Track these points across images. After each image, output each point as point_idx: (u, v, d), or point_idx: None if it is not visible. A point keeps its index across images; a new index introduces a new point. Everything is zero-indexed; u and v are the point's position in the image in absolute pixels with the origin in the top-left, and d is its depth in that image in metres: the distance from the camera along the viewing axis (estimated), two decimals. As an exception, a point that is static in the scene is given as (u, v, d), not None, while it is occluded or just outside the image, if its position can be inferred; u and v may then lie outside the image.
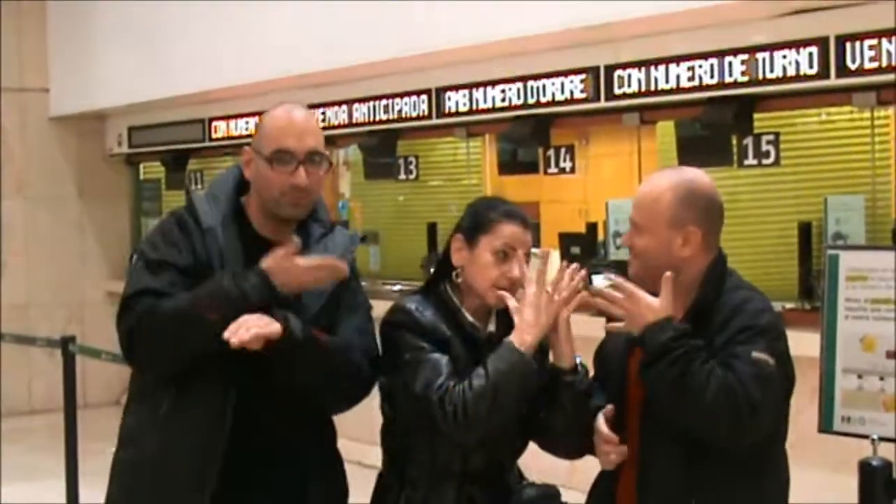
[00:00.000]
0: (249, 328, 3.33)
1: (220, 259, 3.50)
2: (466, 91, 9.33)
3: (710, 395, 3.25)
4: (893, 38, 6.69)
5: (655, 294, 3.48)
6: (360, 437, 5.97)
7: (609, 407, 3.55)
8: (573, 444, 3.61)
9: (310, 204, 3.61)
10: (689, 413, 3.32)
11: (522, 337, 3.42)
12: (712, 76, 7.60)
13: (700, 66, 7.67)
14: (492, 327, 3.59)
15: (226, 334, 3.31)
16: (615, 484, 3.60)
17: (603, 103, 8.35)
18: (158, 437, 3.53)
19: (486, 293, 3.52)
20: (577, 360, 3.54)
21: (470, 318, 3.56)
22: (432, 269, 3.74)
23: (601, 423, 3.53)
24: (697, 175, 3.62)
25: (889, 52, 6.72)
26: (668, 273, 3.39)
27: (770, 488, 3.54)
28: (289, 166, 3.49)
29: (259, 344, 3.33)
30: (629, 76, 8.12)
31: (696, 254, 3.52)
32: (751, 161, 7.67)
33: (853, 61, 6.89)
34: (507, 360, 3.38)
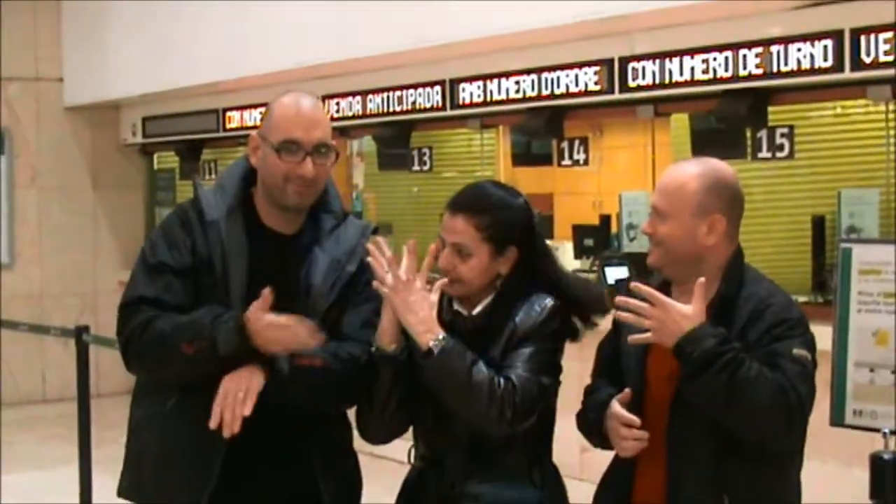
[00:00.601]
0: (234, 412, 3.35)
1: (222, 252, 3.49)
2: (480, 82, 9.32)
3: (765, 398, 3.24)
4: (908, 31, 6.68)
5: (667, 286, 3.49)
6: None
7: (626, 391, 3.52)
8: (480, 422, 3.47)
9: (314, 194, 3.60)
10: (742, 418, 3.30)
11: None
12: (727, 69, 7.59)
13: (714, 59, 7.65)
14: (478, 309, 3.56)
15: (211, 425, 3.35)
16: (632, 480, 3.57)
17: (617, 95, 8.34)
18: (162, 432, 3.54)
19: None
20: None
21: (455, 305, 3.57)
22: None
23: (617, 407, 3.50)
24: (723, 165, 3.61)
25: (904, 46, 6.70)
26: (702, 279, 3.35)
27: (794, 479, 3.55)
28: (296, 157, 3.49)
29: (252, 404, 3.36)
30: (643, 68, 8.10)
31: (720, 243, 3.50)
32: (765, 154, 7.67)
33: (868, 54, 6.87)
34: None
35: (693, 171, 3.54)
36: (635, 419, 3.46)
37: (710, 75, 7.70)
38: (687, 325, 3.32)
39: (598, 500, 3.71)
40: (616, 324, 3.70)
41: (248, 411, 3.35)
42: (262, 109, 11.26)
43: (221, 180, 3.65)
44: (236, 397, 3.35)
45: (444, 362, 3.37)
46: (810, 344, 3.40)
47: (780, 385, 3.25)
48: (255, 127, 11.00)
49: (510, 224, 3.58)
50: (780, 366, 3.29)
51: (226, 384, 3.38)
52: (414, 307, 3.40)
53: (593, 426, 3.59)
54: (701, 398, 3.34)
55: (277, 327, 3.36)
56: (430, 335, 3.38)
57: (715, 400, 3.31)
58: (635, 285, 3.42)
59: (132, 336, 3.51)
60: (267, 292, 3.34)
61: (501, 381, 3.38)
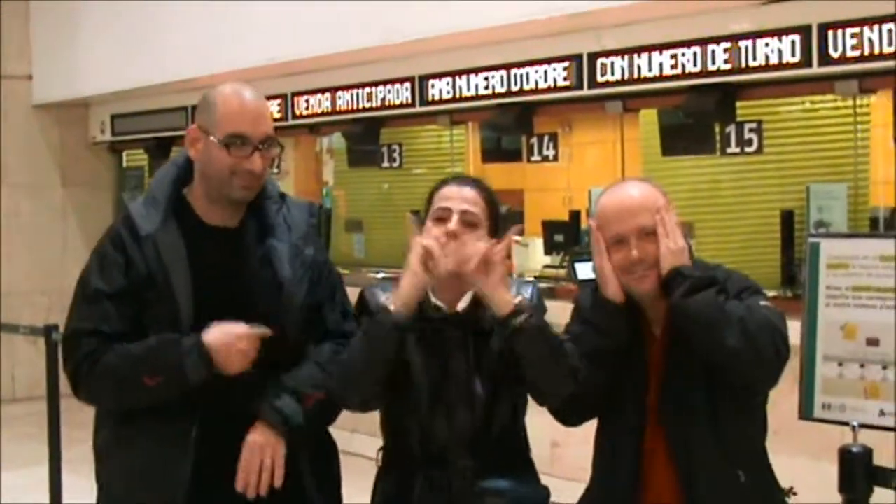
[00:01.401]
0: (261, 478, 3.41)
1: (161, 264, 3.44)
2: (450, 79, 9.33)
3: (755, 322, 3.31)
4: (875, 27, 6.71)
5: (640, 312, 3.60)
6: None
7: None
8: (558, 387, 3.49)
9: (259, 186, 3.56)
10: (731, 343, 3.32)
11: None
12: (695, 64, 7.62)
13: (683, 55, 7.68)
14: (462, 305, 3.53)
15: (239, 487, 3.41)
16: (639, 470, 3.57)
17: (586, 91, 8.36)
18: (128, 456, 3.52)
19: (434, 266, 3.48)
20: (518, 299, 3.44)
21: (433, 299, 3.52)
22: None
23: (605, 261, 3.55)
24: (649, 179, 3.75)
25: (871, 41, 6.74)
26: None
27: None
28: (244, 151, 3.45)
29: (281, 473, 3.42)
30: (612, 64, 8.12)
31: None
32: (733, 149, 7.70)
33: (835, 49, 6.91)
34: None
35: (647, 186, 3.65)
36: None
37: (679, 71, 7.72)
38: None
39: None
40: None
41: (278, 482, 3.42)
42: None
43: (152, 191, 3.57)
44: (264, 467, 3.41)
45: (539, 326, 3.39)
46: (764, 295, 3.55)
47: (766, 315, 3.36)
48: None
49: (499, 209, 3.60)
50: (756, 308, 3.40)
51: (247, 458, 3.41)
52: (501, 283, 3.39)
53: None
54: (700, 312, 3.36)
55: (238, 350, 3.37)
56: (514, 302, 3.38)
57: (708, 319, 3.34)
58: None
59: (79, 370, 3.48)
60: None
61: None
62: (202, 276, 3.46)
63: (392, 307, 3.40)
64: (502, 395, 3.53)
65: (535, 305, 3.56)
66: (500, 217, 3.59)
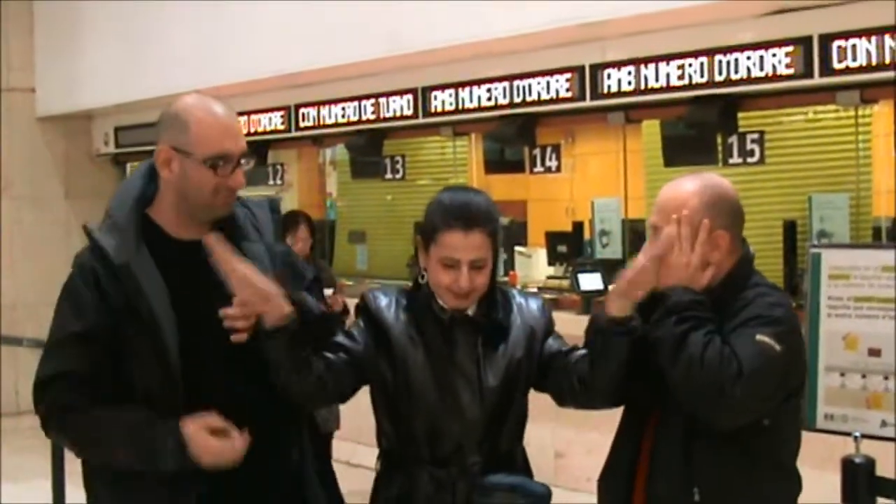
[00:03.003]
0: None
1: (142, 297, 3.33)
2: (453, 90, 9.35)
3: (705, 358, 3.25)
4: (876, 38, 6.73)
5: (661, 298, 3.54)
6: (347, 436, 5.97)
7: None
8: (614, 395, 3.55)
9: (235, 199, 3.50)
10: (682, 373, 3.30)
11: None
12: (697, 75, 7.63)
13: (686, 66, 7.70)
14: (470, 310, 3.53)
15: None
16: (632, 476, 3.57)
17: (588, 102, 8.38)
18: (121, 489, 3.44)
19: (441, 297, 3.50)
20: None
21: (441, 302, 3.51)
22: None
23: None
24: (719, 179, 3.58)
25: (872, 51, 6.76)
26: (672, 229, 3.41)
27: (772, 489, 3.51)
28: (227, 169, 3.38)
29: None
30: (614, 75, 8.14)
31: (724, 258, 3.49)
32: (735, 160, 7.71)
33: (837, 60, 6.92)
34: None
35: (692, 188, 3.50)
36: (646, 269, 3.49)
37: (681, 82, 7.74)
38: (685, 276, 3.40)
39: (602, 486, 3.72)
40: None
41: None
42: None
43: (113, 218, 3.44)
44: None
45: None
46: (788, 342, 3.36)
47: (723, 353, 3.26)
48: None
49: (499, 232, 3.58)
50: (731, 342, 3.31)
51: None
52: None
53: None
54: (657, 343, 3.36)
55: (216, 448, 3.28)
56: None
57: (665, 347, 3.33)
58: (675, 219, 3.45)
59: (48, 418, 3.44)
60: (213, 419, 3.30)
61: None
62: (183, 298, 3.38)
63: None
64: (513, 399, 3.54)
65: (546, 319, 3.61)
66: (500, 236, 3.59)
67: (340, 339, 3.51)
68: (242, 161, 3.40)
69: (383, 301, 3.57)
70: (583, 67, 8.36)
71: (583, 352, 3.54)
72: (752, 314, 3.38)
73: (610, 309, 3.42)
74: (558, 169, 9.39)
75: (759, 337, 3.31)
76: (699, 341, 3.28)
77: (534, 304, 3.65)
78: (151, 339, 3.31)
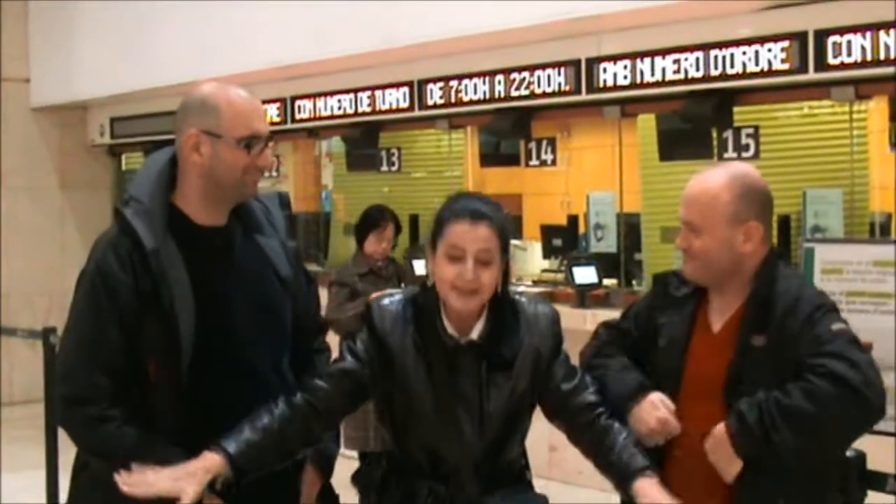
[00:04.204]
0: None
1: (166, 285, 3.37)
2: (448, 83, 9.35)
3: (830, 401, 3.25)
4: (871, 34, 6.74)
5: (703, 290, 3.58)
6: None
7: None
8: None
9: (260, 179, 3.60)
10: (830, 432, 3.33)
11: None
12: (693, 70, 7.64)
13: (681, 60, 7.71)
14: (475, 334, 3.47)
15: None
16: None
17: (584, 96, 8.38)
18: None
19: (446, 297, 3.43)
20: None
21: (446, 324, 3.46)
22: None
23: (664, 402, 3.53)
24: (748, 169, 3.57)
25: (866, 47, 6.77)
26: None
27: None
28: (257, 148, 3.48)
29: None
30: (610, 69, 8.15)
31: (757, 248, 3.50)
32: (730, 154, 7.73)
33: (832, 56, 6.94)
34: None
35: (721, 180, 3.49)
36: (675, 426, 3.50)
37: (676, 76, 7.75)
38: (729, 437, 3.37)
39: None
40: (636, 317, 3.73)
41: None
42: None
43: (141, 203, 3.46)
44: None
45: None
46: (846, 325, 3.40)
47: (834, 377, 3.24)
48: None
49: (509, 234, 3.51)
50: (826, 348, 3.30)
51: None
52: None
53: (614, 402, 3.59)
54: (785, 449, 3.32)
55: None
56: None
57: (795, 443, 3.30)
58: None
59: (75, 434, 3.45)
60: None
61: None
62: (202, 287, 3.44)
63: None
64: (515, 427, 3.52)
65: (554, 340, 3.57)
66: (509, 243, 3.51)
67: (344, 364, 3.48)
68: (269, 141, 3.51)
69: (389, 314, 3.51)
70: (579, 61, 8.36)
71: (588, 398, 3.51)
72: (811, 308, 3.40)
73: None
74: (554, 162, 9.40)
75: (835, 327, 3.34)
76: (800, 403, 3.28)
77: (543, 321, 3.54)
78: (168, 327, 3.36)
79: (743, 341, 3.44)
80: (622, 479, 3.38)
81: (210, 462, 3.26)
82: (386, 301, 3.56)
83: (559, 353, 3.54)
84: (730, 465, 3.37)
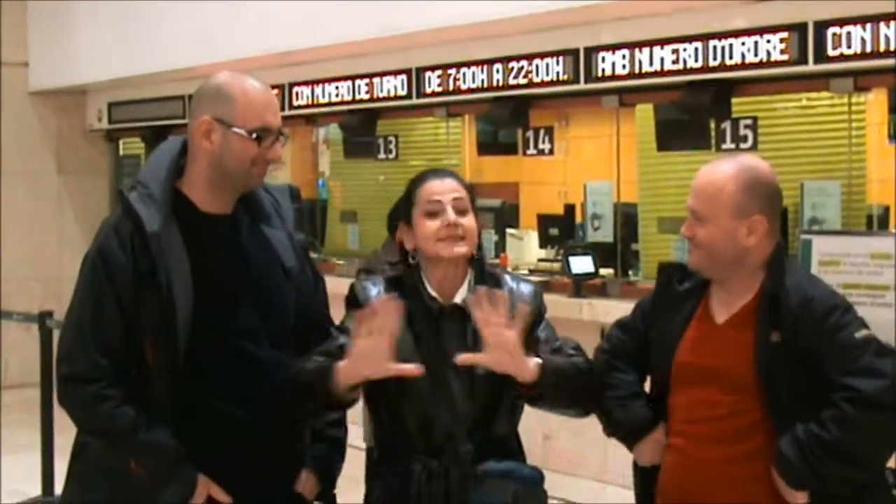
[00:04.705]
0: None
1: (164, 267, 3.41)
2: (446, 71, 9.34)
3: (863, 432, 3.31)
4: (870, 25, 6.74)
5: (707, 283, 3.60)
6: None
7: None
8: (587, 408, 3.67)
9: (267, 171, 3.65)
10: (876, 455, 3.41)
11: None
12: (691, 60, 7.64)
13: (680, 50, 7.70)
14: (459, 298, 3.57)
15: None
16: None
17: (582, 85, 8.37)
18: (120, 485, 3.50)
19: (436, 252, 3.54)
20: (537, 362, 3.46)
21: (430, 290, 3.57)
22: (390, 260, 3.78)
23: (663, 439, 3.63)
24: (758, 162, 3.60)
25: (866, 39, 6.76)
26: None
27: None
28: (268, 141, 3.52)
29: None
30: (609, 59, 8.14)
31: (761, 242, 3.51)
32: (728, 145, 7.72)
33: (831, 47, 6.93)
34: None
35: (729, 171, 3.51)
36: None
37: (675, 66, 7.74)
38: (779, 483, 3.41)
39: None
40: (643, 313, 3.76)
41: None
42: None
43: (146, 188, 3.50)
44: None
45: (559, 382, 3.47)
46: (863, 321, 3.43)
47: (868, 402, 3.29)
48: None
49: (474, 192, 3.67)
50: (854, 364, 3.32)
51: None
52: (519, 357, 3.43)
53: (621, 425, 3.69)
54: (838, 479, 3.38)
55: None
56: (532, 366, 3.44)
57: (845, 472, 3.36)
58: None
59: (74, 415, 3.50)
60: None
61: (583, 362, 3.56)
62: (203, 273, 3.47)
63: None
64: (504, 392, 3.55)
65: (538, 309, 3.63)
66: (475, 198, 3.66)
67: (339, 341, 3.52)
68: (280, 134, 3.57)
69: (372, 291, 3.61)
70: (577, 51, 8.35)
71: (569, 351, 3.58)
72: (824, 308, 3.41)
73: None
74: (551, 152, 9.39)
75: (858, 335, 3.36)
76: (839, 436, 3.31)
77: (525, 289, 3.67)
78: (164, 309, 3.40)
79: (763, 338, 3.46)
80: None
81: None
82: (368, 281, 3.68)
83: (543, 317, 3.65)
84: (796, 498, 3.42)
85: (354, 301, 3.60)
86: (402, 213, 3.66)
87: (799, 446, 3.33)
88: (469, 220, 3.55)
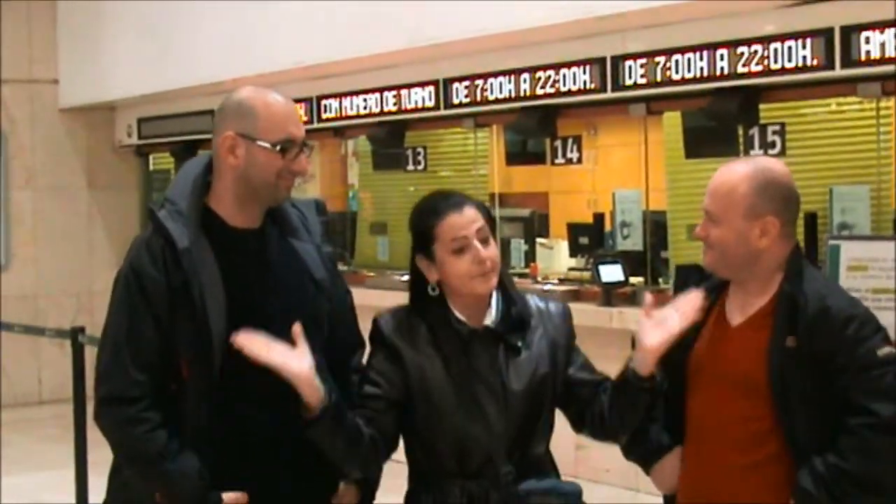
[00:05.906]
0: None
1: (198, 284, 3.43)
2: (474, 81, 9.35)
3: (884, 460, 3.31)
4: (897, 29, 6.72)
5: (725, 284, 3.59)
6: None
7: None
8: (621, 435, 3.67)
9: (294, 183, 3.65)
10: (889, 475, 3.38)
11: None
12: (718, 67, 7.62)
13: (706, 57, 7.69)
14: (489, 320, 3.53)
15: None
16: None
17: (610, 94, 8.37)
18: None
19: (472, 289, 3.49)
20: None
21: (457, 314, 3.52)
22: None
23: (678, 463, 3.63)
24: (773, 164, 3.58)
25: (893, 44, 6.74)
26: None
27: None
28: (292, 153, 3.53)
29: None
30: (636, 67, 8.14)
31: (774, 244, 3.49)
32: (756, 151, 7.70)
33: (858, 52, 6.91)
34: None
35: (743, 172, 3.49)
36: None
37: (702, 73, 7.73)
38: None
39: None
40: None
41: None
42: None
43: (175, 204, 3.52)
44: None
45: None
46: (885, 335, 3.39)
47: (888, 427, 3.29)
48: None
49: (487, 208, 3.64)
50: (874, 384, 3.32)
51: None
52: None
53: (642, 455, 3.70)
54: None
55: None
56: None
57: (869, 500, 3.37)
58: None
59: (112, 436, 3.52)
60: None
61: None
62: (236, 284, 3.49)
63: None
64: (539, 410, 3.54)
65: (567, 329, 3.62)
66: (491, 214, 3.63)
67: (368, 389, 3.51)
68: (305, 147, 3.57)
69: (396, 322, 3.57)
70: (604, 59, 8.35)
71: (606, 385, 3.56)
72: (843, 318, 3.38)
73: (638, 367, 3.43)
74: (580, 160, 9.39)
75: (881, 353, 3.34)
76: (860, 467, 3.33)
77: (554, 310, 3.62)
78: (199, 325, 3.42)
79: (777, 342, 3.44)
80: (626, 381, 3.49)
81: (315, 388, 3.35)
82: (388, 315, 3.60)
83: (573, 343, 3.63)
84: None
85: (378, 335, 3.55)
86: (415, 242, 3.59)
87: (820, 480, 3.33)
88: (493, 250, 3.50)
